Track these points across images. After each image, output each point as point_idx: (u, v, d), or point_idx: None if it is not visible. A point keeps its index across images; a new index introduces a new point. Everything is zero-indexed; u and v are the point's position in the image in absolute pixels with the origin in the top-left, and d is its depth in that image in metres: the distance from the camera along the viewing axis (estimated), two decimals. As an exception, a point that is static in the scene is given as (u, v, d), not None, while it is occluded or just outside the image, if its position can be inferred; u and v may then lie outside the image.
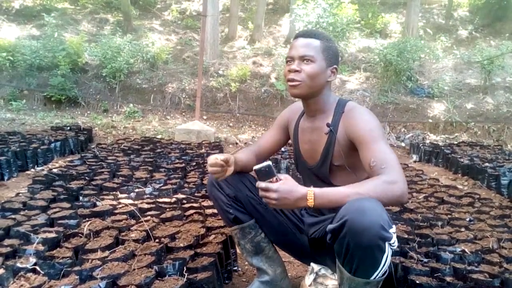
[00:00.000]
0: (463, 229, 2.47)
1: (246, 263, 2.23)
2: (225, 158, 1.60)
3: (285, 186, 1.31)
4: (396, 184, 1.31)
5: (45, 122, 7.20)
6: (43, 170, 4.07)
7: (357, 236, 1.22)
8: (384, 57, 8.69)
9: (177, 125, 7.24)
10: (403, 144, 7.02)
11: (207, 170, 3.88)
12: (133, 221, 2.33)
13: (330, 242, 1.35)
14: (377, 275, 1.30)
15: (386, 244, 1.25)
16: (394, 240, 1.27)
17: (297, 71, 1.55)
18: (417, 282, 1.73)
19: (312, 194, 1.30)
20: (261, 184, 1.33)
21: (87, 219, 2.33)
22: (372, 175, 1.39)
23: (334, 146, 1.58)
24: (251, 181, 1.76)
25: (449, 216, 2.75)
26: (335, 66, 1.61)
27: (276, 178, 1.34)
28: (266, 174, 1.34)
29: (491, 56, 8.49)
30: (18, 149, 4.10)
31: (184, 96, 8.69)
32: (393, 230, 1.27)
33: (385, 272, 1.33)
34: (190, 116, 8.07)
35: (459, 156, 5.03)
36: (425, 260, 1.99)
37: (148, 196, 2.98)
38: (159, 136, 6.42)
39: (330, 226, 1.33)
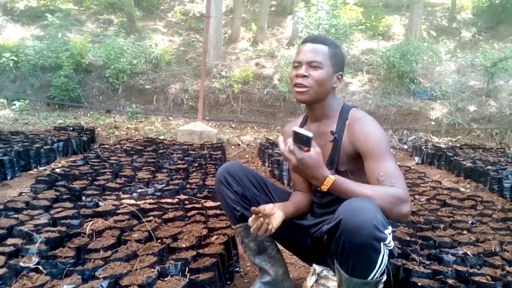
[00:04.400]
0: (465, 232, 2.46)
1: (248, 264, 2.23)
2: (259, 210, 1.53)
3: (309, 160, 1.33)
4: (405, 204, 1.36)
5: (48, 122, 7.23)
6: (46, 170, 4.09)
7: (351, 235, 1.23)
8: (387, 59, 8.69)
9: (180, 126, 7.26)
10: (405, 147, 7.00)
11: (209, 171, 3.92)
12: (135, 222, 2.34)
13: (326, 242, 1.36)
14: (375, 275, 1.30)
15: (382, 244, 1.25)
16: (390, 240, 1.27)
17: (304, 76, 1.55)
18: (419, 284, 1.73)
19: (331, 182, 1.35)
20: (290, 145, 1.33)
21: (89, 219, 2.34)
22: None
23: (339, 153, 1.59)
24: (258, 180, 1.78)
25: (451, 218, 2.75)
26: (340, 72, 1.63)
27: (308, 149, 1.33)
28: (301, 142, 1.33)
29: (494, 59, 8.47)
30: (21, 149, 4.12)
31: (186, 97, 8.71)
32: (388, 231, 1.27)
33: (383, 272, 1.33)
34: (193, 117, 8.09)
35: (461, 159, 5.01)
36: (427, 262, 1.99)
37: (150, 196, 2.99)
38: (161, 137, 6.43)
39: (325, 226, 1.34)
